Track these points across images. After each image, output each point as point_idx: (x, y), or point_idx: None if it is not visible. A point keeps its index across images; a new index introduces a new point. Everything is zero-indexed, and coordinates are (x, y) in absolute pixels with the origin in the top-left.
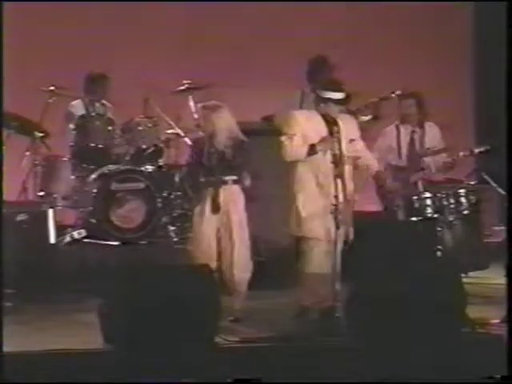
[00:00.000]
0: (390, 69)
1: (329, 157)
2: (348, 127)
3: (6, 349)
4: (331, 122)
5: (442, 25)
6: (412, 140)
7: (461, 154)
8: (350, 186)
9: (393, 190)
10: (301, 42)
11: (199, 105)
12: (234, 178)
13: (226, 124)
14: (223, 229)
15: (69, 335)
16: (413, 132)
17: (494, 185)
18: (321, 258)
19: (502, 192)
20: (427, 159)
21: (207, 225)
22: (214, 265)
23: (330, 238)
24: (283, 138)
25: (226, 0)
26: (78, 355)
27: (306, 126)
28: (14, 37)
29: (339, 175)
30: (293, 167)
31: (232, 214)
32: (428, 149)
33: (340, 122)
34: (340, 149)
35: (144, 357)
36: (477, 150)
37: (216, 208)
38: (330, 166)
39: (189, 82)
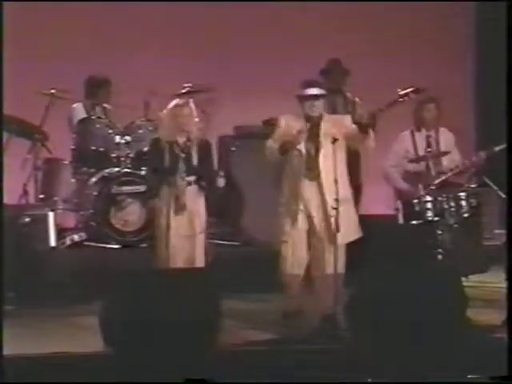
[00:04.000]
0: (389, 70)
1: (303, 159)
2: (333, 126)
3: (6, 352)
4: (313, 123)
5: (442, 26)
6: (428, 145)
7: (481, 153)
8: (330, 188)
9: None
10: (302, 45)
11: (173, 102)
12: (195, 178)
13: (199, 127)
14: (186, 228)
15: (69, 338)
16: (428, 137)
17: (495, 188)
18: (293, 262)
19: (503, 195)
20: (445, 163)
21: (170, 223)
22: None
23: (302, 240)
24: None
25: (227, 0)
26: (78, 358)
27: (286, 129)
28: (14, 38)
29: (313, 178)
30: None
31: (194, 214)
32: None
33: (323, 122)
34: (317, 149)
35: (144, 360)
36: (494, 150)
37: (181, 208)
38: (303, 168)
39: (190, 85)
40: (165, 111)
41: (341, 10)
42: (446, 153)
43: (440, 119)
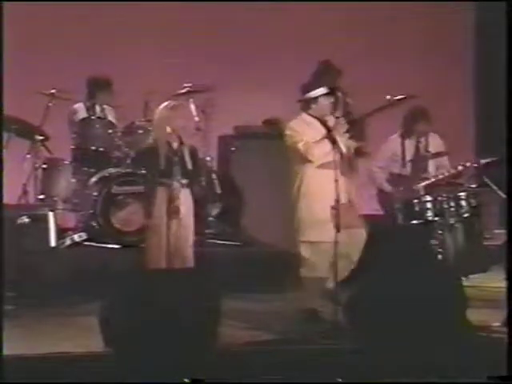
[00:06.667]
0: (389, 72)
1: (331, 158)
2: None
3: (5, 352)
4: (325, 123)
5: (442, 25)
6: (417, 149)
7: (468, 164)
8: (352, 187)
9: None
10: (301, 45)
11: (164, 104)
12: (187, 181)
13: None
14: (174, 227)
15: (69, 338)
16: (418, 142)
17: (495, 188)
18: (325, 261)
19: (503, 195)
20: (431, 168)
21: (164, 227)
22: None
23: (332, 240)
24: (299, 146)
25: (227, 0)
26: (78, 358)
27: (309, 131)
28: (14, 38)
29: (342, 175)
30: (297, 170)
31: (184, 216)
32: (430, 153)
33: (335, 123)
34: (339, 150)
35: (144, 360)
36: (483, 161)
37: (175, 211)
38: (333, 167)
39: (190, 85)
40: (156, 115)
41: (340, 10)
42: (439, 154)
43: (430, 128)
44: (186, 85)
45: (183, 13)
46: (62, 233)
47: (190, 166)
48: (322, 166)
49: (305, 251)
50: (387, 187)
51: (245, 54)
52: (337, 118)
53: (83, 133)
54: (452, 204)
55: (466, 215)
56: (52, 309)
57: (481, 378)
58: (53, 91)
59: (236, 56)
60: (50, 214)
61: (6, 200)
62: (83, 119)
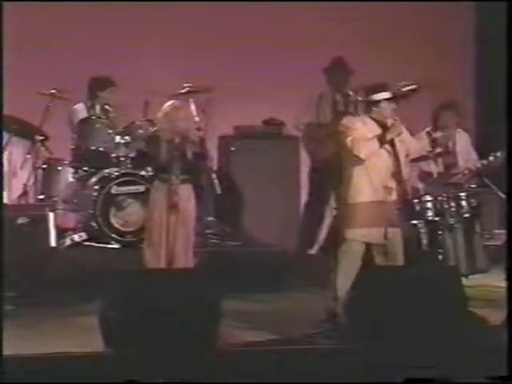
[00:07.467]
0: (389, 72)
1: (384, 160)
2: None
3: (6, 352)
4: (384, 126)
5: (442, 25)
6: (446, 146)
7: (498, 154)
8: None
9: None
10: (301, 45)
11: (168, 103)
12: (189, 176)
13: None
14: (174, 223)
15: (69, 338)
16: (444, 137)
17: (495, 188)
18: (359, 262)
19: (503, 195)
20: (461, 164)
21: (162, 220)
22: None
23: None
24: (348, 142)
25: (228, 0)
26: (78, 358)
27: (363, 130)
28: (14, 38)
29: (395, 178)
30: (347, 172)
31: (184, 211)
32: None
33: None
34: (395, 152)
35: (143, 360)
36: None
37: (173, 206)
38: (386, 170)
39: (189, 85)
40: (160, 114)
41: (340, 8)
42: (450, 152)
43: (458, 122)
44: (186, 85)
45: (183, 13)
46: (61, 233)
47: (191, 162)
48: (371, 165)
49: (345, 250)
50: (420, 185)
51: (245, 54)
52: (394, 120)
53: (83, 133)
54: (452, 204)
55: (466, 215)
56: (52, 309)
57: (481, 377)
58: (53, 91)
59: (236, 56)
60: (50, 214)
61: (6, 200)
62: (83, 119)
